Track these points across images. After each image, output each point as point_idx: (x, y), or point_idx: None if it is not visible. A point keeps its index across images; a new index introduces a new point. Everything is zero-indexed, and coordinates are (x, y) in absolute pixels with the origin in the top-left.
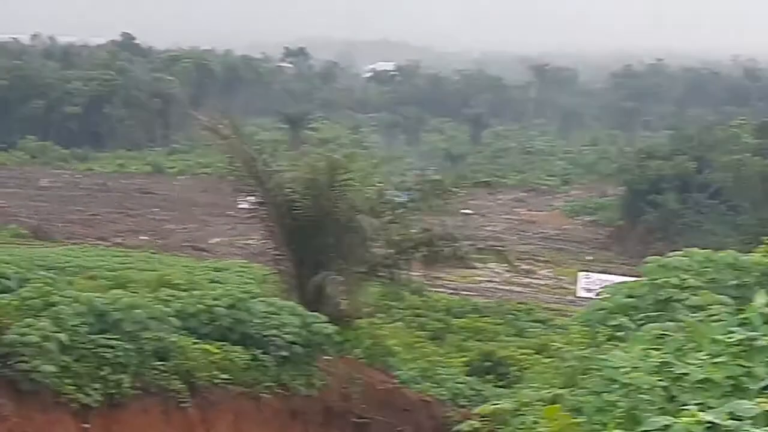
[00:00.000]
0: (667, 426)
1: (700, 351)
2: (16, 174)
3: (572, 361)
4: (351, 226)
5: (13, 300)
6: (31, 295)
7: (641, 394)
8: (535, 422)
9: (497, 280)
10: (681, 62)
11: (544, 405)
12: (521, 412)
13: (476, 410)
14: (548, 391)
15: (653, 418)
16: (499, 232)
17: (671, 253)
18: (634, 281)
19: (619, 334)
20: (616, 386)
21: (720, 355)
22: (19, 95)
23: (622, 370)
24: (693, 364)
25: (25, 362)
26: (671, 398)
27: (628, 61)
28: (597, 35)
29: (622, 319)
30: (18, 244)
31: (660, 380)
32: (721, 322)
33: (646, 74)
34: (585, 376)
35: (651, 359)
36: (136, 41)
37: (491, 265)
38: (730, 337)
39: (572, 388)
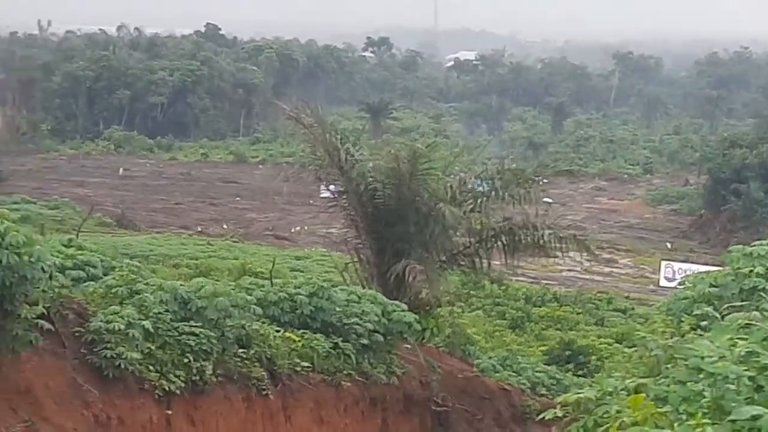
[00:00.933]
0: (755, 416)
1: None
2: (101, 163)
3: (656, 350)
4: (432, 215)
5: (98, 288)
6: (116, 283)
7: (728, 384)
8: (619, 412)
9: (578, 269)
10: (766, 49)
11: (628, 394)
12: (604, 402)
13: (558, 399)
14: (631, 380)
15: (741, 408)
16: (580, 221)
17: (755, 243)
18: (717, 270)
19: (703, 323)
20: (702, 376)
21: None
22: (105, 86)
23: (708, 359)
24: None
25: (110, 349)
26: (758, 388)
27: (713, 48)
28: (681, 23)
29: (706, 309)
30: (103, 232)
31: (746, 370)
32: None
33: (730, 62)
34: (669, 366)
35: (737, 349)
36: (221, 32)
37: (572, 254)
38: None
39: (656, 378)
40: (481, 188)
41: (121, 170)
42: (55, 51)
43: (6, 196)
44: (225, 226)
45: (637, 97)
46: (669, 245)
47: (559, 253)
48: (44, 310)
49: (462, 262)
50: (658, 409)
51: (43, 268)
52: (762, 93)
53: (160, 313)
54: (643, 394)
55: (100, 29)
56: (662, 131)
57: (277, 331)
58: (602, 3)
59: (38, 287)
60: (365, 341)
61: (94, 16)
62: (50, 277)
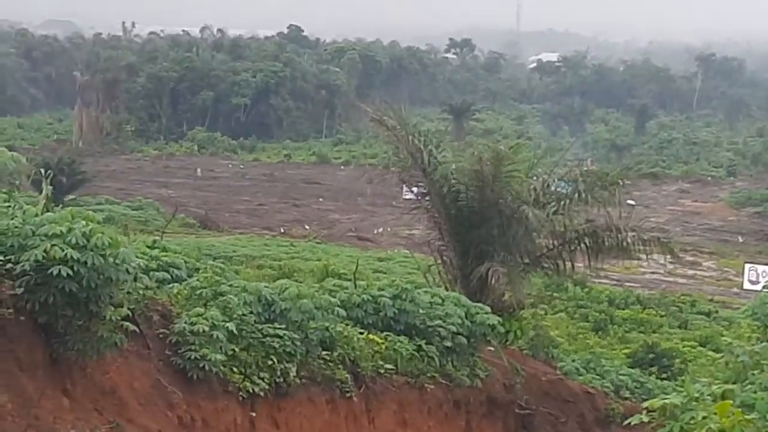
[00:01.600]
0: None
1: None
2: (185, 164)
3: (742, 355)
4: (515, 217)
5: (183, 289)
6: (200, 285)
7: None
8: (705, 418)
9: (661, 271)
10: None
11: (714, 400)
12: (690, 407)
13: (644, 404)
14: (718, 386)
15: None
16: (663, 224)
17: None
18: None
19: None
20: None
21: None
22: (188, 87)
23: None
24: None
25: (195, 351)
26: None
27: None
28: (764, 24)
29: None
30: (186, 233)
31: None
32: None
33: None
34: (756, 372)
35: None
36: (304, 33)
37: (655, 256)
38: None
39: (743, 384)
40: (564, 190)
41: (198, 171)
42: (138, 52)
43: (90, 196)
44: (307, 227)
45: (720, 99)
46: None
47: (642, 256)
48: (129, 312)
49: (545, 265)
50: (746, 416)
51: (128, 270)
52: None
53: (244, 314)
54: (730, 401)
55: (183, 31)
56: (746, 133)
57: (361, 333)
58: (685, 4)
59: (123, 289)
60: (449, 344)
61: (177, 18)
62: (135, 279)
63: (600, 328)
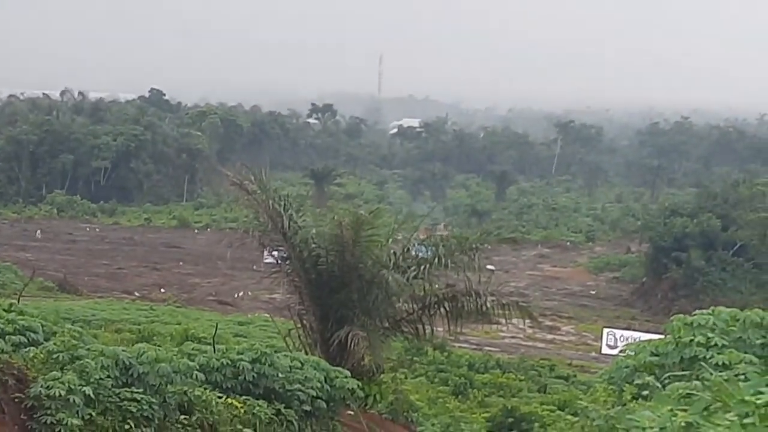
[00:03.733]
0: None
1: (728, 412)
2: (43, 227)
3: (598, 419)
4: (375, 282)
5: (39, 353)
6: (57, 348)
7: None
8: None
9: (520, 336)
10: (707, 120)
11: None
12: None
13: None
14: None
15: None
16: (523, 288)
17: (696, 311)
18: (659, 339)
19: (644, 392)
20: None
21: (748, 416)
22: (48, 150)
23: (649, 430)
24: (721, 425)
25: (51, 415)
26: None
27: (654, 118)
28: (624, 93)
29: (647, 378)
30: (45, 297)
31: None
32: (748, 382)
33: (671, 132)
34: None
35: (678, 419)
36: (165, 97)
37: (514, 320)
38: (758, 398)
39: None
40: (424, 255)
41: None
42: None
43: None
44: (162, 290)
45: (579, 165)
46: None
47: (501, 320)
48: None
49: (405, 329)
50: None
51: None
52: (702, 163)
53: (101, 378)
54: None
55: (43, 93)
56: (604, 199)
57: (220, 398)
58: (545, 72)
59: None
60: (308, 408)
61: (37, 80)
62: None
63: (460, 392)
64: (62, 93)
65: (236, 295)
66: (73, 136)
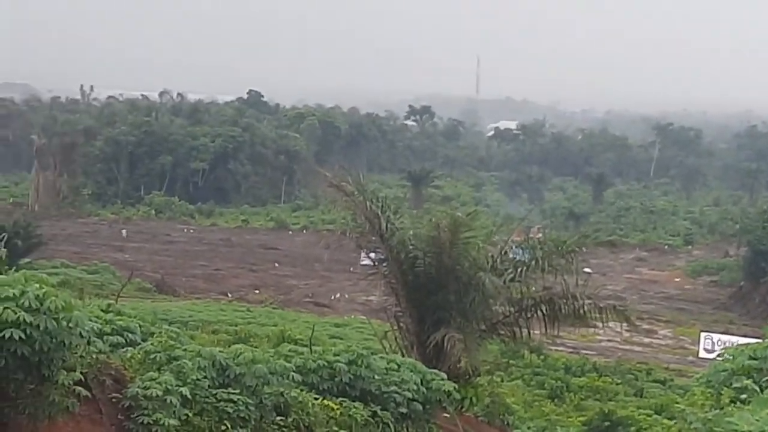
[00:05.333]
0: None
1: None
2: (141, 228)
3: (696, 422)
4: (472, 284)
5: (137, 354)
6: (154, 349)
7: None
8: None
9: (617, 339)
10: None
11: None
12: None
13: None
14: None
15: None
16: (620, 291)
17: None
18: (757, 343)
19: (742, 396)
20: None
21: None
22: (147, 151)
23: None
24: None
25: (148, 415)
26: None
27: (752, 121)
28: (721, 95)
29: (746, 381)
30: (142, 297)
31: None
32: None
33: None
34: None
35: None
36: (263, 98)
37: (611, 324)
38: None
39: None
40: (521, 258)
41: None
42: (97, 116)
43: (46, 260)
44: (257, 292)
45: (677, 168)
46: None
47: (598, 324)
48: (81, 376)
49: (501, 331)
50: None
51: (81, 334)
52: None
53: (198, 379)
54: None
55: (142, 95)
56: (702, 203)
57: (316, 399)
58: (644, 73)
59: (76, 353)
60: (404, 410)
61: (136, 82)
62: (88, 343)
63: (556, 396)
64: (161, 94)
65: (333, 297)
66: (171, 137)
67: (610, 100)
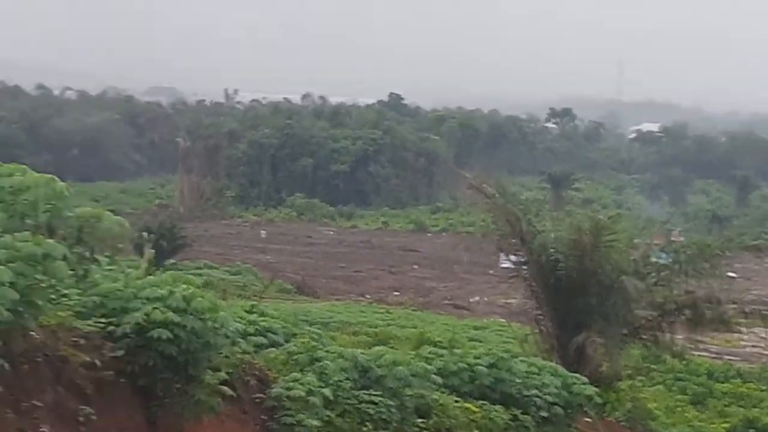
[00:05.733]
0: None
1: None
2: (283, 230)
3: None
4: (614, 288)
5: (280, 354)
6: (297, 350)
7: None
8: None
9: (762, 345)
10: None
11: None
12: None
13: None
14: None
15: None
16: (765, 296)
17: None
18: None
19: None
20: None
21: None
22: (289, 153)
23: None
24: None
25: (291, 416)
26: None
27: None
28: None
29: None
30: (284, 299)
31: None
32: None
33: None
34: None
35: None
36: (404, 101)
37: (756, 329)
38: None
39: None
40: (664, 261)
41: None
42: (240, 119)
43: (190, 261)
44: (396, 294)
45: None
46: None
47: (743, 329)
48: (227, 376)
49: (643, 336)
50: None
51: (226, 334)
52: None
53: (340, 381)
54: None
55: (284, 98)
56: None
57: (456, 402)
58: None
59: (221, 353)
60: (545, 414)
61: (278, 85)
62: (233, 343)
63: (699, 402)
64: (303, 98)
65: (472, 300)
66: (313, 140)
67: (756, 102)
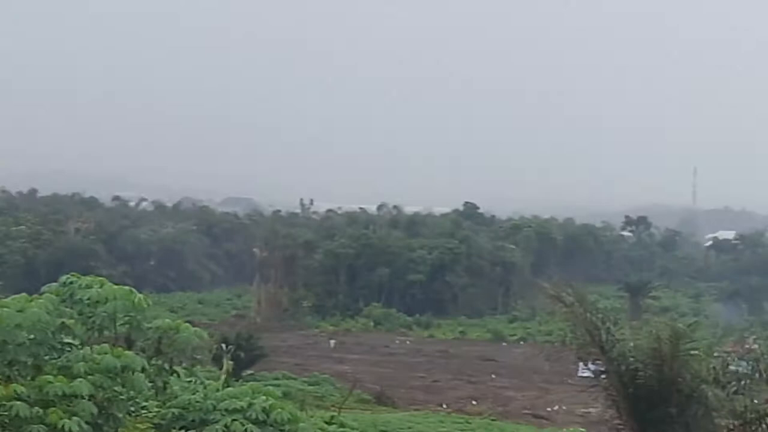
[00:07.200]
0: None
1: None
2: (361, 340)
3: None
4: (694, 397)
5: None
6: None
7: None
8: None
9: None
10: None
11: None
12: None
13: None
14: None
15: None
16: None
17: None
18: None
19: None
20: None
21: None
22: (365, 263)
23: None
24: None
25: None
26: None
27: None
28: None
29: None
30: (362, 409)
31: None
32: None
33: None
34: None
35: None
36: (479, 210)
37: None
38: None
39: None
40: (744, 369)
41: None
42: (316, 229)
43: (268, 371)
44: (474, 403)
45: None
46: None
47: None
48: None
49: None
50: None
51: None
52: None
53: None
54: None
55: (360, 208)
56: None
57: None
58: None
59: None
60: None
61: (354, 196)
62: None
63: None
64: (379, 207)
65: (551, 409)
66: (389, 249)
67: None
